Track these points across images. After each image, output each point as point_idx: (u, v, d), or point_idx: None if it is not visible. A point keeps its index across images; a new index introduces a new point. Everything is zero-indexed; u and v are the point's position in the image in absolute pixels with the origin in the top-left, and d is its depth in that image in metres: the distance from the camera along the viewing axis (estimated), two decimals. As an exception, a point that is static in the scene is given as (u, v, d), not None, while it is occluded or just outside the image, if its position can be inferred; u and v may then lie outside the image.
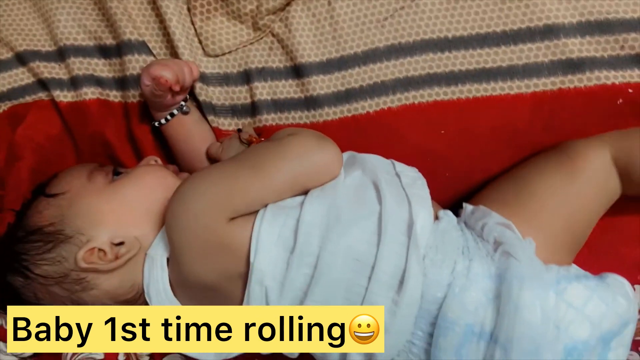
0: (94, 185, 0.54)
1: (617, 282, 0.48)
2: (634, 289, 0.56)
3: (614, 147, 0.52)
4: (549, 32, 0.55)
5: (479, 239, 0.50)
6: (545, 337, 0.44)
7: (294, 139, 0.49)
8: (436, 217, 0.52)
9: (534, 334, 0.44)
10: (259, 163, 0.48)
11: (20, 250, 0.52)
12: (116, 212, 0.52)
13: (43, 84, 0.65)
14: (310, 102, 0.60)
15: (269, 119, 0.61)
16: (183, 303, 0.53)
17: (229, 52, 0.62)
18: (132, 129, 0.64)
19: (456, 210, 0.56)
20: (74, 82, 0.64)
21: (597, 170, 0.52)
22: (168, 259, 0.51)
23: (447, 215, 0.52)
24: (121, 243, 0.51)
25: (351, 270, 0.47)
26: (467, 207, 0.54)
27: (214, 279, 0.48)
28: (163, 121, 0.60)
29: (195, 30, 0.62)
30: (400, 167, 0.55)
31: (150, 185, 0.54)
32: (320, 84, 0.60)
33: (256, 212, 0.48)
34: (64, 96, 0.65)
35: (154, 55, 0.62)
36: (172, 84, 0.55)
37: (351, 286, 0.47)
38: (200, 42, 0.63)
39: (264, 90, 0.61)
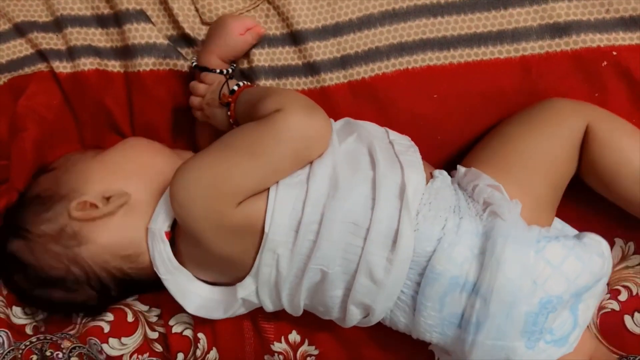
0: (87, 155, 0.61)
1: (594, 241, 0.53)
2: (614, 242, 0.62)
3: (591, 117, 0.55)
4: (538, -4, 0.59)
5: (470, 199, 0.54)
6: (522, 291, 0.49)
7: (284, 116, 0.49)
8: (431, 176, 0.56)
9: (512, 288, 0.49)
10: (255, 148, 0.49)
11: (20, 215, 0.58)
12: (106, 170, 0.58)
13: (42, 55, 0.67)
14: (308, 69, 0.63)
15: (267, 85, 0.64)
16: (191, 269, 0.57)
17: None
18: (131, 99, 0.66)
19: (449, 171, 0.60)
20: (72, 53, 0.66)
21: (574, 132, 0.55)
22: (166, 232, 0.55)
23: (442, 174, 0.56)
24: (111, 197, 0.56)
25: (348, 233, 0.51)
26: (460, 169, 0.57)
27: (232, 252, 0.53)
28: (230, 70, 0.61)
29: (191, -2, 0.64)
30: (394, 135, 0.59)
31: (138, 147, 0.60)
32: (317, 51, 0.62)
33: (265, 191, 0.51)
34: (64, 67, 0.67)
35: (153, 23, 0.64)
36: (262, 31, 0.61)
37: (348, 247, 0.51)
38: (197, 10, 0.65)
39: (261, 57, 0.64)
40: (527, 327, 0.50)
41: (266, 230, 0.50)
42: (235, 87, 0.57)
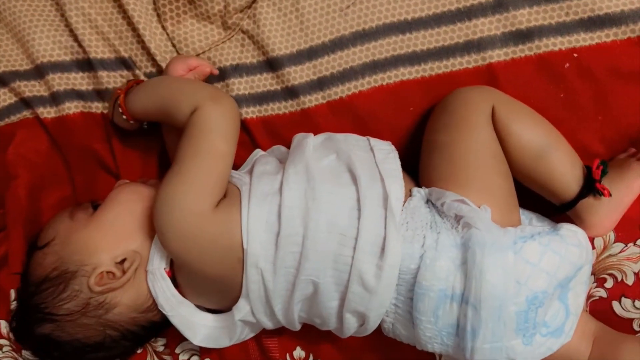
0: (78, 222, 0.62)
1: (570, 232, 0.57)
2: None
3: (494, 100, 0.60)
4: (499, 5, 0.63)
5: (443, 214, 0.58)
6: (508, 293, 0.53)
7: (202, 113, 0.57)
8: (410, 194, 0.61)
9: (498, 292, 0.53)
10: (195, 150, 0.57)
11: (37, 301, 0.60)
12: (107, 236, 0.60)
13: (26, 103, 0.71)
14: (287, 93, 0.68)
15: (249, 111, 0.69)
16: (192, 299, 0.62)
17: (203, 52, 0.69)
18: (113, 138, 0.71)
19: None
20: (55, 98, 0.71)
21: (488, 117, 0.60)
22: (165, 269, 0.60)
23: (419, 192, 0.61)
24: (123, 260, 0.60)
25: (336, 244, 0.56)
26: (425, 190, 0.61)
27: (219, 271, 0.57)
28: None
29: (168, 34, 0.69)
30: (375, 142, 0.64)
31: (126, 200, 0.62)
32: (294, 75, 0.67)
33: (238, 202, 0.57)
34: (48, 112, 0.71)
35: (136, 68, 0.69)
36: (213, 69, 0.66)
37: (338, 257, 0.56)
38: (174, 45, 0.69)
39: (240, 86, 0.69)
40: (520, 325, 0.55)
41: (244, 245, 0.56)
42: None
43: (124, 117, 0.64)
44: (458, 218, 0.57)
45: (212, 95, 0.59)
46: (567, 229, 0.58)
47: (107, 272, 0.59)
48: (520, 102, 0.62)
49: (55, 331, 0.61)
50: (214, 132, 0.57)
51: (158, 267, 0.60)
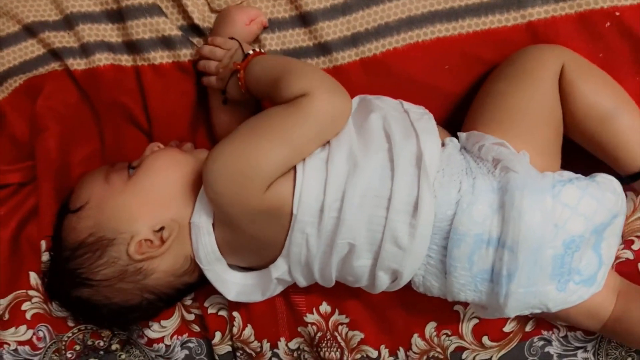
0: (114, 186, 0.62)
1: (606, 180, 0.59)
2: (627, 195, 0.67)
3: (565, 58, 0.61)
4: (541, -39, 0.63)
5: (478, 159, 0.59)
6: (545, 236, 0.55)
7: (311, 101, 0.55)
8: (442, 144, 0.62)
9: (536, 235, 0.55)
10: (283, 134, 0.55)
11: (73, 266, 0.62)
12: (145, 204, 0.61)
13: (55, 54, 0.72)
14: (320, 49, 0.68)
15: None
16: (229, 259, 0.64)
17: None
18: (147, 92, 0.71)
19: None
20: (85, 50, 0.71)
21: (554, 73, 0.61)
22: (212, 223, 0.61)
23: (452, 141, 0.62)
24: (162, 228, 0.61)
25: (370, 205, 0.57)
26: (462, 135, 0.63)
27: (265, 234, 0.59)
28: (251, 51, 0.64)
29: (199, -14, 0.69)
30: (408, 105, 0.65)
31: (163, 168, 0.63)
32: (327, 30, 0.68)
33: (292, 172, 0.57)
34: (78, 64, 0.72)
35: (166, 15, 0.69)
36: (265, 21, 0.67)
37: (372, 218, 0.57)
38: (205, -2, 0.70)
39: (272, 42, 0.69)
40: (556, 270, 0.57)
41: (294, 211, 0.57)
42: (251, 51, 0.63)
43: (242, 90, 0.62)
44: (495, 162, 0.58)
45: (330, 89, 0.57)
46: (603, 177, 0.59)
47: (146, 240, 0.61)
48: (590, 62, 0.62)
49: (93, 295, 0.63)
50: (315, 126, 0.56)
51: (206, 222, 0.61)
